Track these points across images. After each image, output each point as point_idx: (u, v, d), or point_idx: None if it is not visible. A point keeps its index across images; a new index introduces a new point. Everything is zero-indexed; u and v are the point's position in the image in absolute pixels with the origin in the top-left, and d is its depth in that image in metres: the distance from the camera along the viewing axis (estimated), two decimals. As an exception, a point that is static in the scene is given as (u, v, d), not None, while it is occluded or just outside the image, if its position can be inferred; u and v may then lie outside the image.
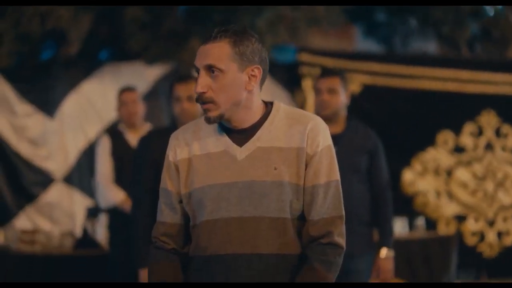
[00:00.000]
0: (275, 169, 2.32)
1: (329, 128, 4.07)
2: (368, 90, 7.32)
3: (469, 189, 7.96)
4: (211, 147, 2.39)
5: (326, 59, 7.19)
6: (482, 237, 8.04)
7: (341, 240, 2.38)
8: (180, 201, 2.45)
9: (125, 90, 5.37)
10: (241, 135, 2.37)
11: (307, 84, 7.10)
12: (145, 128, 5.25)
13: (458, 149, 7.98)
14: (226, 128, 2.41)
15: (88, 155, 6.42)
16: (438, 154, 7.88)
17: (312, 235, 2.36)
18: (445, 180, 7.87)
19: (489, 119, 8.04)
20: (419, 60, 7.86)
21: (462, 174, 7.94)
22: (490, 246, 8.00)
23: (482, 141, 8.02)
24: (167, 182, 2.48)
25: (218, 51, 2.30)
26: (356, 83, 7.35)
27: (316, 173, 2.35)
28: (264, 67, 2.39)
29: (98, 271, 5.15)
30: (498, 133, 8.07)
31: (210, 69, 2.30)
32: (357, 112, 6.89)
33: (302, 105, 7.08)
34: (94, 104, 6.59)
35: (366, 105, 7.30)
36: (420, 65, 7.74)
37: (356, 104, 6.96)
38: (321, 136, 2.37)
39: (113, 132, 5.28)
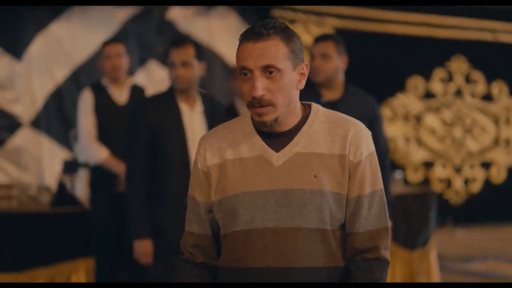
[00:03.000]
0: (315, 177, 2.35)
1: (325, 94, 4.34)
2: (339, 34, 7.80)
3: (438, 135, 8.58)
4: (245, 152, 2.42)
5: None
6: (449, 183, 8.74)
7: (387, 254, 2.42)
8: (210, 211, 2.49)
9: (109, 43, 5.36)
10: (277, 140, 2.39)
11: (279, 28, 7.56)
12: (129, 82, 5.38)
13: (428, 95, 8.55)
14: (261, 131, 2.41)
15: (57, 99, 6.74)
16: (407, 100, 8.45)
17: (357, 248, 2.40)
18: (414, 126, 8.46)
19: (459, 65, 8.64)
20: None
21: (431, 120, 8.55)
22: (456, 193, 8.68)
23: (452, 87, 8.62)
24: (194, 191, 2.51)
25: (275, 50, 2.30)
26: (328, 27, 7.86)
27: (361, 183, 2.38)
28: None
29: (79, 230, 5.23)
30: (467, 79, 8.71)
31: (267, 69, 2.30)
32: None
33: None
34: (63, 46, 6.83)
35: (337, 49, 7.80)
36: (391, 10, 8.18)
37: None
38: (364, 143, 2.40)
39: (96, 87, 5.31)
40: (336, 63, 4.37)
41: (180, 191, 4.19)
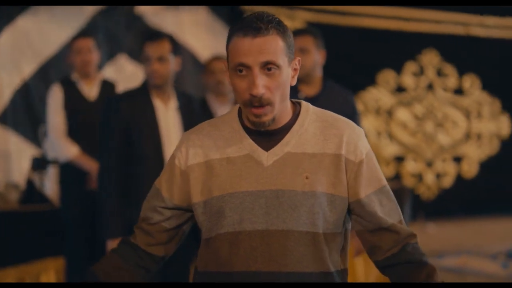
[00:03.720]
0: (307, 178, 2.29)
1: (303, 90, 4.31)
2: (312, 27, 7.87)
3: (409, 130, 8.70)
4: (232, 151, 2.35)
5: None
6: (420, 178, 8.87)
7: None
8: (168, 208, 2.46)
9: (79, 37, 5.35)
10: (267, 138, 2.34)
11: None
12: (99, 77, 5.38)
13: (399, 89, 8.66)
14: (249, 129, 2.36)
15: (24, 95, 6.73)
16: (379, 94, 8.55)
17: (399, 235, 2.37)
18: (386, 120, 8.58)
19: (430, 59, 8.76)
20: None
21: (402, 114, 8.66)
22: (428, 188, 8.80)
23: (423, 81, 8.75)
24: (162, 185, 2.47)
25: (274, 46, 2.24)
26: (299, 21, 7.93)
27: (369, 181, 2.35)
28: None
29: (48, 228, 5.19)
30: (439, 73, 8.83)
31: (267, 66, 2.23)
32: (299, 50, 7.58)
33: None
34: (30, 41, 6.82)
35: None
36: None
37: (299, 42, 7.62)
38: (361, 141, 2.36)
39: (66, 82, 5.28)
40: (315, 58, 4.35)
41: None
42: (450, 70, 8.81)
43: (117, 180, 4.19)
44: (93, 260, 4.96)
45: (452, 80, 8.85)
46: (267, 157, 2.32)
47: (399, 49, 8.60)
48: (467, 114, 8.94)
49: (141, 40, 4.33)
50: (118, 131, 4.19)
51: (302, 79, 4.28)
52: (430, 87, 8.76)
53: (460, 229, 8.48)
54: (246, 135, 2.36)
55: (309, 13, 7.90)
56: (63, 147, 5.15)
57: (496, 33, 8.83)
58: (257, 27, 2.22)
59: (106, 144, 4.23)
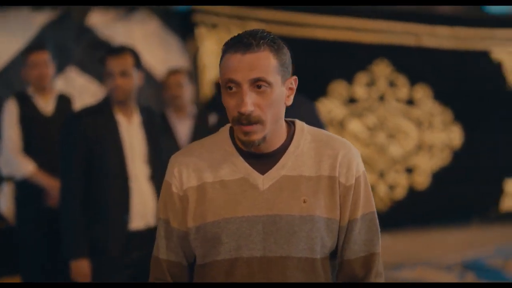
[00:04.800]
0: (304, 202, 2.26)
1: None
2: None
3: (362, 141, 8.89)
4: (226, 174, 2.30)
5: (221, 6, 7.80)
6: (372, 190, 9.04)
7: (380, 280, 2.39)
8: (183, 238, 2.37)
9: (33, 51, 5.35)
10: (262, 161, 2.31)
11: (200, 32, 7.73)
12: (55, 91, 5.40)
13: (351, 100, 8.84)
14: (242, 151, 2.33)
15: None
16: (331, 105, 8.73)
17: (350, 277, 2.36)
18: (338, 131, 8.71)
19: (382, 69, 8.98)
20: (312, 8, 8.50)
21: (355, 125, 8.85)
22: (380, 200, 8.99)
23: (375, 91, 8.96)
24: (168, 216, 2.39)
25: (264, 63, 2.21)
26: (250, 32, 8.07)
27: (353, 207, 2.32)
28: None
29: (4, 247, 5.28)
30: (391, 83, 9.06)
31: (257, 83, 2.22)
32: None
33: (195, 54, 7.72)
34: None
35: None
36: (313, 14, 8.44)
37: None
38: (355, 163, 2.33)
39: (21, 97, 5.29)
40: None
41: (119, 207, 4.25)
42: (401, 80, 9.03)
43: (79, 198, 4.20)
44: (50, 280, 5.02)
45: (403, 90, 9.07)
46: (263, 181, 2.29)
47: (350, 60, 8.79)
48: (419, 125, 9.18)
49: (102, 55, 4.37)
50: (80, 148, 4.21)
51: None
52: (382, 98, 8.97)
53: (414, 241, 8.68)
54: (240, 158, 2.32)
55: (261, 24, 8.05)
56: (18, 164, 5.16)
57: (446, 43, 9.09)
58: (248, 43, 2.22)
59: (68, 161, 4.25)
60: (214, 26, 7.80)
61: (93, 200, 4.25)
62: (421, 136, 9.21)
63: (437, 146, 9.27)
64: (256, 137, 2.25)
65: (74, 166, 4.23)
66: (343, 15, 8.62)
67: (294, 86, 2.33)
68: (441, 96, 9.12)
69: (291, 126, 2.39)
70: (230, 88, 2.25)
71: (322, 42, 8.57)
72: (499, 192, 9.45)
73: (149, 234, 4.34)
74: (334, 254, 2.38)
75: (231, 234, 2.28)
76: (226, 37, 7.84)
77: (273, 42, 2.26)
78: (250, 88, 2.23)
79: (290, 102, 2.32)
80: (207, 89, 7.62)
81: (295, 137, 2.36)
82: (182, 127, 5.53)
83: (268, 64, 2.23)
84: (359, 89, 8.87)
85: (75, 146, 4.23)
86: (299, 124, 2.40)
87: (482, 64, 9.27)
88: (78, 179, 4.22)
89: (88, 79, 7.03)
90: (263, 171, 2.31)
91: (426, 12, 9.27)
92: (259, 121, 2.24)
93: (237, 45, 2.24)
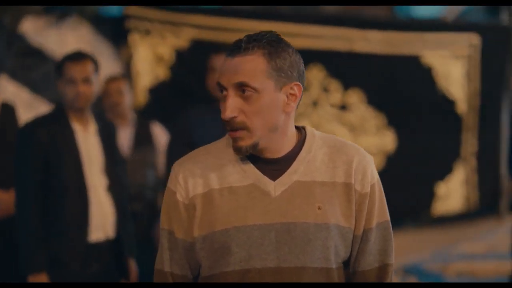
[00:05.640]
0: (319, 208, 2.20)
1: None
2: (197, 45, 8.14)
3: (296, 147, 9.07)
4: (234, 180, 2.23)
5: (155, 12, 7.87)
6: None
7: None
8: (189, 250, 2.28)
9: None
10: (272, 166, 2.24)
11: (134, 39, 7.79)
12: None
13: (285, 106, 9.02)
14: (252, 156, 2.25)
15: None
16: (265, 111, 8.88)
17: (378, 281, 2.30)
18: (273, 138, 8.91)
19: (315, 74, 9.14)
20: (247, 13, 8.65)
21: (289, 131, 9.03)
22: (316, 205, 9.19)
23: (309, 97, 9.13)
24: (173, 226, 2.29)
25: (251, 66, 2.15)
26: (184, 38, 8.18)
27: (368, 215, 2.27)
28: (303, 83, 2.30)
29: None
30: (325, 88, 9.24)
31: (241, 88, 2.16)
32: (186, 68, 7.85)
33: (128, 61, 7.78)
34: None
35: (195, 60, 8.10)
36: (248, 18, 8.52)
37: (185, 59, 7.89)
38: (370, 170, 2.28)
39: None
40: None
41: (77, 219, 4.24)
42: (335, 85, 9.22)
43: (36, 211, 4.17)
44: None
45: (337, 95, 9.26)
46: (275, 187, 2.21)
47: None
48: (352, 130, 9.39)
49: (59, 61, 4.34)
50: (35, 159, 4.19)
51: None
52: (315, 103, 9.14)
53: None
54: (250, 163, 2.25)
55: (195, 30, 8.14)
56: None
57: (378, 47, 9.32)
58: (238, 45, 2.20)
59: (23, 173, 4.23)
60: (147, 32, 7.88)
61: (51, 212, 4.23)
62: (355, 141, 9.41)
63: (370, 150, 9.49)
64: (243, 143, 2.20)
65: (30, 178, 4.20)
66: (276, 20, 8.75)
67: (297, 92, 2.25)
68: (374, 101, 9.33)
69: (301, 132, 2.32)
70: (222, 91, 2.23)
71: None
72: (431, 195, 9.71)
73: (108, 246, 4.38)
74: (346, 264, 2.31)
75: (242, 244, 2.19)
76: (160, 44, 8.03)
77: (269, 45, 2.20)
78: (235, 93, 2.19)
79: (291, 108, 2.24)
80: (141, 96, 7.69)
81: (306, 142, 2.29)
82: (123, 135, 5.59)
83: (255, 68, 2.17)
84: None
85: (31, 157, 4.21)
86: (310, 129, 2.34)
87: (413, 68, 9.50)
88: (35, 191, 4.18)
89: (19, 87, 7.03)
90: (274, 177, 2.23)
91: (358, 16, 9.49)
92: (243, 127, 2.19)
93: (231, 47, 2.23)
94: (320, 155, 2.28)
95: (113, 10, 7.96)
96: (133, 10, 7.82)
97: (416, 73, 9.51)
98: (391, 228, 2.35)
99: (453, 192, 9.67)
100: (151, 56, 7.83)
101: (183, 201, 2.26)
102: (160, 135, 5.76)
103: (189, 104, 7.64)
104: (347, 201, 2.25)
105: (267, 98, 2.18)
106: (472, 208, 9.81)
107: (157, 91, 7.85)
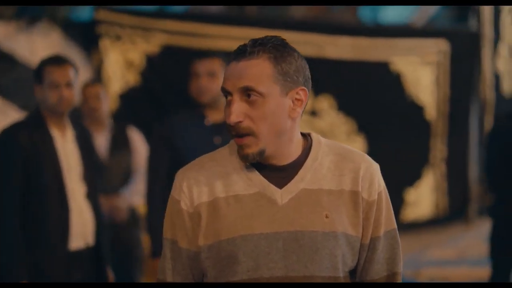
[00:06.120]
0: (327, 217, 2.19)
1: (210, 116, 4.49)
2: (168, 50, 8.19)
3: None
4: (240, 188, 2.21)
5: (125, 17, 7.93)
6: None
7: None
8: (193, 259, 2.27)
9: None
10: (278, 174, 2.22)
11: (104, 44, 7.83)
12: None
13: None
14: (257, 164, 2.23)
15: None
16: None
17: None
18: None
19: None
20: (217, 19, 8.74)
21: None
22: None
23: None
24: (177, 235, 2.27)
25: (256, 71, 2.14)
26: (155, 43, 8.24)
27: (376, 223, 2.26)
28: (309, 88, 2.28)
29: None
30: (295, 94, 9.31)
31: (246, 92, 2.15)
32: (156, 73, 7.91)
33: (99, 67, 7.82)
34: None
35: (165, 66, 8.17)
36: (217, 24, 8.61)
37: (155, 65, 7.95)
38: (377, 178, 2.27)
39: None
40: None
41: (58, 227, 4.22)
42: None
43: (17, 219, 4.14)
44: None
45: (308, 101, 9.35)
46: (281, 195, 2.20)
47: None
48: (323, 136, 9.45)
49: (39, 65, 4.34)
50: (15, 166, 4.16)
51: (209, 105, 4.48)
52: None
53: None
54: (255, 171, 2.23)
55: (166, 35, 8.21)
56: None
57: (348, 53, 9.43)
58: (243, 49, 2.19)
59: (3, 181, 4.19)
60: (118, 37, 7.92)
61: (32, 220, 4.20)
62: (325, 147, 9.49)
63: (340, 157, 9.57)
64: (250, 150, 2.18)
65: (10, 186, 4.16)
66: (246, 25, 8.83)
67: (303, 98, 2.25)
68: (345, 107, 9.43)
69: (307, 139, 2.34)
70: (226, 96, 2.21)
71: (227, 54, 8.73)
72: (400, 202, 9.84)
73: (89, 254, 4.38)
74: (352, 273, 2.30)
75: (249, 252, 2.17)
76: (131, 49, 8.07)
77: (275, 49, 2.20)
78: (241, 98, 2.17)
79: (297, 114, 2.25)
80: (112, 102, 7.72)
81: (312, 149, 2.29)
82: (101, 140, 5.64)
83: (261, 72, 2.16)
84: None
85: (10, 165, 4.18)
86: (316, 136, 2.35)
87: (383, 74, 9.62)
88: (14, 201, 4.15)
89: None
90: (280, 185, 2.22)
91: (328, 22, 9.60)
92: (250, 133, 2.17)
93: (236, 52, 2.21)
94: (326, 163, 2.27)
95: (84, 15, 7.99)
96: (104, 15, 7.86)
97: (386, 79, 9.63)
98: (398, 236, 2.34)
99: (422, 198, 9.80)
100: (121, 62, 7.88)
101: (188, 209, 2.24)
102: (138, 140, 5.81)
103: (160, 110, 7.73)
104: (354, 209, 2.24)
105: (272, 103, 2.17)
106: (442, 214, 9.95)
107: (127, 96, 7.90)
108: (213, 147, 4.39)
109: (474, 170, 10.10)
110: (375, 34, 9.72)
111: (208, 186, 2.23)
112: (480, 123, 10.17)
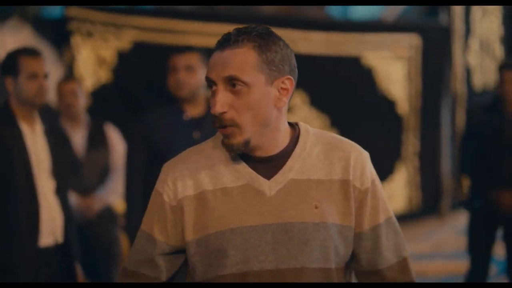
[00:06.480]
0: (316, 207, 2.16)
1: (188, 110, 4.51)
2: (139, 46, 8.18)
3: (240, 149, 9.17)
4: (228, 180, 2.19)
5: (97, 13, 7.91)
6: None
7: None
8: (166, 254, 2.25)
9: None
10: (266, 165, 2.20)
11: (76, 41, 7.80)
12: None
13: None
14: (244, 155, 2.21)
15: None
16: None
17: (401, 277, 2.28)
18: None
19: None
20: (188, 15, 8.75)
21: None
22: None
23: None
24: (153, 227, 2.26)
25: (241, 59, 2.11)
26: (126, 40, 8.24)
27: (374, 211, 2.24)
28: (295, 77, 2.27)
29: None
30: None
31: (231, 82, 2.12)
32: (128, 70, 7.92)
33: (71, 64, 7.79)
34: None
35: (137, 62, 8.16)
36: (188, 20, 8.64)
37: (127, 61, 7.94)
38: (368, 166, 2.25)
39: None
40: (201, 76, 4.44)
41: (28, 223, 4.18)
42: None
43: None
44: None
45: (282, 96, 9.38)
46: (270, 186, 2.18)
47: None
48: (296, 131, 9.52)
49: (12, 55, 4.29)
50: None
51: (188, 99, 4.49)
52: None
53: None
54: (243, 162, 2.21)
55: (137, 31, 8.20)
56: None
57: (320, 48, 9.48)
58: (227, 38, 2.16)
59: None
60: (89, 34, 7.91)
61: (0, 217, 4.18)
62: (298, 142, 9.53)
63: (313, 152, 9.62)
64: (234, 141, 2.16)
65: None
66: (217, 21, 8.85)
67: (289, 87, 2.23)
68: (317, 102, 9.49)
69: (295, 128, 2.29)
70: (211, 86, 2.18)
71: (198, 50, 8.74)
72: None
73: (58, 250, 4.37)
74: (348, 265, 2.29)
75: (238, 246, 2.16)
76: (102, 46, 8.07)
77: (259, 37, 2.17)
78: (225, 87, 2.14)
79: (283, 103, 2.21)
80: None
81: (300, 139, 2.25)
82: (77, 137, 5.65)
83: (246, 61, 2.13)
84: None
85: None
86: (303, 126, 2.30)
87: (355, 69, 9.69)
88: None
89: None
90: (268, 176, 2.20)
91: (300, 17, 9.64)
92: (234, 124, 2.15)
93: (220, 41, 2.19)
94: (315, 152, 2.24)
95: (55, 12, 7.96)
96: (75, 11, 7.84)
97: (358, 74, 9.71)
98: (397, 222, 2.33)
99: (395, 192, 9.88)
100: (93, 59, 7.87)
101: (170, 202, 2.23)
102: (115, 137, 5.82)
103: (133, 106, 7.73)
104: (345, 198, 2.21)
105: (258, 92, 2.14)
106: (415, 208, 10.05)
107: (99, 93, 7.88)
108: (192, 142, 4.42)
109: (446, 164, 10.21)
110: (347, 29, 9.79)
111: (194, 179, 2.20)
112: (452, 117, 10.28)
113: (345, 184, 2.22)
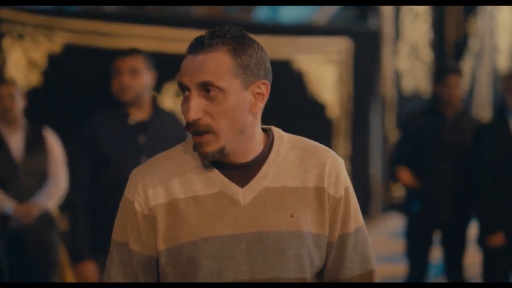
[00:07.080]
0: (292, 216, 2.13)
1: (134, 114, 4.54)
2: (71, 49, 8.13)
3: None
4: (199, 188, 2.14)
5: (28, 15, 7.83)
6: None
7: None
8: (144, 264, 2.18)
9: None
10: (239, 172, 2.15)
11: (7, 44, 7.72)
12: None
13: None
14: (217, 161, 2.16)
15: None
16: (140, 117, 8.96)
17: None
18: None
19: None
20: (119, 17, 8.77)
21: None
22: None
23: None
24: (128, 238, 2.18)
25: (215, 64, 2.06)
26: (58, 43, 8.19)
27: (344, 220, 2.20)
28: (270, 81, 2.20)
29: None
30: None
31: (205, 87, 2.07)
32: (60, 73, 7.88)
33: (1, 66, 7.71)
34: None
35: (69, 65, 8.11)
36: (120, 23, 8.64)
37: (59, 64, 7.91)
38: (343, 173, 2.21)
39: None
40: (145, 80, 4.51)
41: None
42: (210, 90, 9.38)
43: None
44: None
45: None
46: (244, 194, 2.15)
47: (158, 70, 9.03)
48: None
49: None
50: None
51: (132, 103, 4.50)
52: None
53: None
54: (215, 169, 2.16)
55: (69, 34, 8.15)
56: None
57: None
58: (201, 42, 2.11)
59: None
60: (20, 36, 7.85)
61: None
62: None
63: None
64: (209, 149, 2.11)
65: None
66: (149, 24, 8.86)
67: (264, 91, 2.17)
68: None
69: (268, 134, 2.26)
70: (183, 92, 2.14)
71: (143, 52, 8.69)
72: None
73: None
74: (319, 274, 2.27)
75: (212, 256, 2.11)
76: (33, 48, 8.01)
77: (234, 41, 2.12)
78: (199, 93, 2.10)
79: (259, 109, 2.17)
80: (15, 103, 7.63)
81: (274, 145, 2.22)
82: (15, 141, 5.62)
83: (220, 65, 2.09)
84: (168, 100, 9.15)
85: None
86: (277, 131, 2.27)
87: (285, 73, 9.76)
88: None
89: None
90: (242, 183, 2.16)
91: (228, 20, 9.69)
92: (209, 131, 2.10)
93: (193, 44, 2.14)
94: (290, 158, 2.21)
95: (-16, 13, 7.88)
96: (6, 13, 7.77)
97: (289, 77, 9.78)
98: (367, 233, 2.30)
99: (326, 196, 9.98)
100: (24, 61, 7.81)
101: (142, 211, 2.16)
102: (53, 142, 5.80)
103: (64, 110, 7.70)
104: (320, 206, 2.18)
105: (233, 98, 2.10)
106: (346, 212, 10.16)
107: (30, 96, 7.81)
108: (137, 146, 4.51)
109: (376, 167, 10.37)
110: (277, 32, 9.85)
111: (165, 186, 2.15)
112: (381, 121, 10.44)
113: (319, 191, 2.19)
